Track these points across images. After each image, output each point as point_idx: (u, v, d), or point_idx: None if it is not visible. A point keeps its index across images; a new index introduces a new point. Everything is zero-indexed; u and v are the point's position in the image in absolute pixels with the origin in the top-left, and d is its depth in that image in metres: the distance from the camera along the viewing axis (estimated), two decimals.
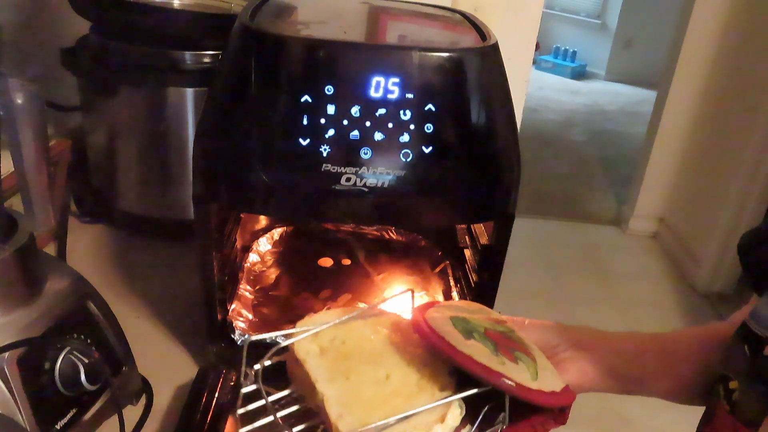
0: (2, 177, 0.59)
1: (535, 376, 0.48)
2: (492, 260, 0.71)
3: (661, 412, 2.02)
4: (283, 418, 0.48)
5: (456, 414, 0.48)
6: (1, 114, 0.54)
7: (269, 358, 0.50)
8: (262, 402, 0.48)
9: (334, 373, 0.48)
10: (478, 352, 0.47)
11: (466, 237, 0.87)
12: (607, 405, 2.04)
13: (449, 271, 0.91)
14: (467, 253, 0.86)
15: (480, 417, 0.49)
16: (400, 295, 0.58)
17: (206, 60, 0.90)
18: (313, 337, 0.51)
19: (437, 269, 0.92)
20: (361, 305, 0.58)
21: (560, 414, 0.50)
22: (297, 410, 0.50)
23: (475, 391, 0.48)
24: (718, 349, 0.59)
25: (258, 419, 0.49)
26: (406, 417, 0.45)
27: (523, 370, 0.48)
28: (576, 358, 0.55)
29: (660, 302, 2.63)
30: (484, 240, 0.78)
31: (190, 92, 0.90)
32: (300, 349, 0.50)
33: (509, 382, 0.46)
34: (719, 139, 2.68)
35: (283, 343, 0.50)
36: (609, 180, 3.76)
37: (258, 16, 0.64)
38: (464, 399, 0.48)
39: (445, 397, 0.48)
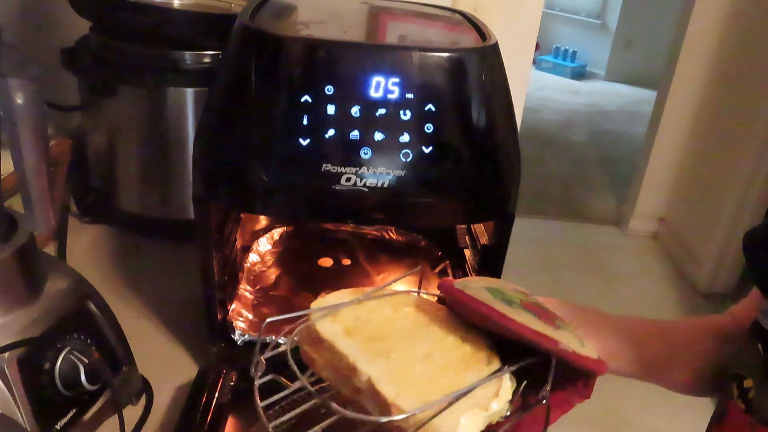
0: (2, 177, 0.59)
1: (582, 344, 0.47)
2: (492, 260, 0.71)
3: (661, 412, 2.02)
4: (315, 407, 0.44)
5: (507, 387, 0.46)
6: (1, 114, 0.54)
7: (291, 340, 0.47)
8: (283, 391, 0.45)
9: (370, 353, 0.44)
10: (528, 320, 0.45)
11: (466, 237, 0.87)
12: (608, 405, 2.04)
13: (449, 271, 0.91)
14: (467, 253, 0.86)
15: (521, 388, 0.47)
16: (410, 275, 0.56)
17: (206, 60, 0.90)
18: (333, 319, 0.48)
19: (437, 269, 0.92)
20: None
21: (584, 388, 0.49)
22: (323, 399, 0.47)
23: (529, 361, 0.46)
24: (716, 341, 0.60)
25: (279, 413, 0.46)
26: (468, 392, 0.42)
27: (570, 337, 0.47)
28: (584, 337, 0.55)
29: (660, 302, 2.63)
30: (484, 240, 0.78)
31: (190, 92, 0.90)
32: (325, 330, 0.46)
33: (566, 348, 0.45)
34: (719, 139, 2.68)
35: (302, 325, 0.47)
36: (609, 180, 3.76)
37: (258, 16, 0.64)
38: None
39: (495, 371, 0.46)
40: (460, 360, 0.47)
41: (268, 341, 0.53)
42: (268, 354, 0.47)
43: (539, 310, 0.49)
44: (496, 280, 0.57)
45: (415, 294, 0.56)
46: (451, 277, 0.54)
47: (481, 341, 0.49)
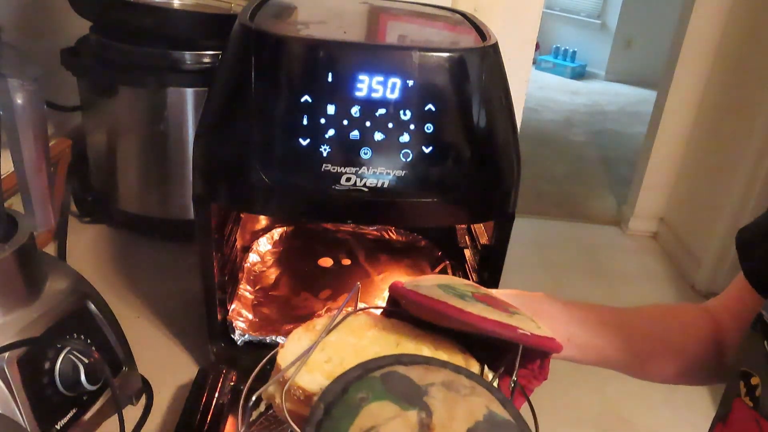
0: (2, 177, 0.59)
1: (537, 325, 0.49)
2: (492, 260, 0.71)
3: (661, 412, 2.02)
4: None
5: (494, 385, 0.48)
6: (1, 114, 0.54)
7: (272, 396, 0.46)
8: None
9: None
10: (484, 311, 0.46)
11: (466, 237, 0.87)
12: (607, 405, 2.04)
13: (449, 272, 0.91)
14: (467, 253, 0.86)
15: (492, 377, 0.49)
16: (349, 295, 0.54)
17: (206, 60, 0.90)
18: (308, 369, 0.46)
19: (437, 269, 0.92)
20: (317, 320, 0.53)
21: (541, 370, 0.50)
22: None
23: (508, 360, 0.48)
24: (679, 330, 0.62)
25: None
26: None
27: (526, 321, 0.48)
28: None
29: (660, 302, 2.63)
30: (484, 240, 0.78)
31: (190, 92, 0.90)
32: (310, 385, 0.45)
33: (525, 332, 0.46)
34: (719, 139, 2.68)
35: (281, 386, 0.45)
36: (609, 180, 3.76)
37: (258, 16, 0.64)
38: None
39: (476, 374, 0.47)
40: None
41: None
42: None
43: (491, 300, 0.50)
44: (445, 277, 0.57)
45: (373, 312, 0.55)
46: (398, 280, 0.54)
47: (451, 345, 0.50)
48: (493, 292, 0.58)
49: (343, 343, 0.49)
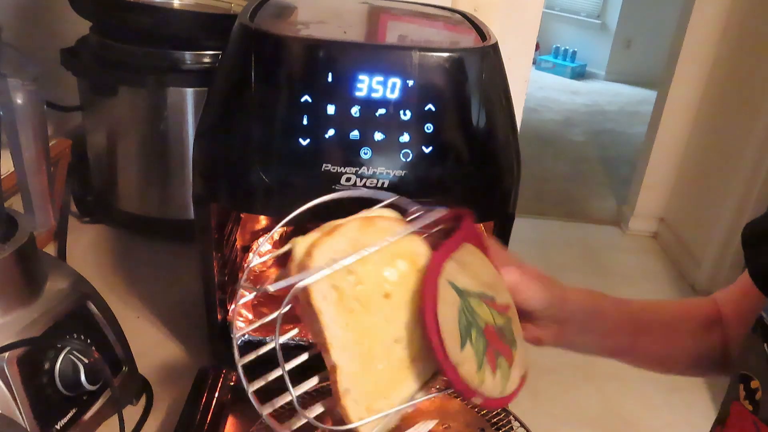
0: (2, 177, 0.59)
1: (504, 388, 0.47)
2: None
3: (661, 413, 2.02)
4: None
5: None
6: (1, 114, 0.54)
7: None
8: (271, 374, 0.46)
9: (347, 332, 0.46)
10: (468, 358, 0.45)
11: None
12: (607, 406, 2.04)
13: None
14: None
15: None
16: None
17: (206, 60, 0.90)
18: (330, 274, 0.48)
19: None
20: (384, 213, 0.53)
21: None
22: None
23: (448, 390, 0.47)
24: (681, 322, 0.63)
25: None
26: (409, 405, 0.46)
27: (497, 384, 0.47)
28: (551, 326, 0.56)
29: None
30: None
31: (190, 92, 0.90)
32: (317, 295, 0.47)
33: (477, 400, 0.45)
34: (719, 139, 2.68)
35: (302, 283, 0.48)
36: (609, 180, 3.76)
37: (258, 16, 0.64)
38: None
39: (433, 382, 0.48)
40: (419, 351, 0.47)
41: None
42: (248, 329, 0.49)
43: (495, 338, 0.48)
44: (491, 273, 0.53)
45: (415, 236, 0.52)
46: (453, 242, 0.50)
47: None
48: (524, 278, 0.56)
49: (374, 267, 0.49)
